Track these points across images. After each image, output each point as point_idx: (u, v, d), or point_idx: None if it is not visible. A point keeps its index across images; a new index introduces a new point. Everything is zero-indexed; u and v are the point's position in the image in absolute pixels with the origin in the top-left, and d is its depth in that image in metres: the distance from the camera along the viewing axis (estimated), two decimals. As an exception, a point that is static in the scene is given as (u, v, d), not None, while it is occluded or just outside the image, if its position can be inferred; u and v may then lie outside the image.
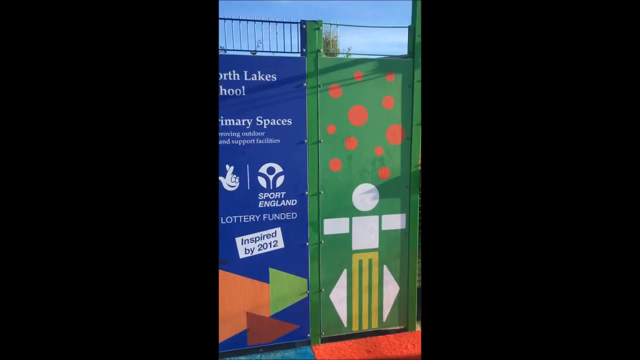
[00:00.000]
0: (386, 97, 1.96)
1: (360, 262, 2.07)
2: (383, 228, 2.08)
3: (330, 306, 2.06)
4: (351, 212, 2.02)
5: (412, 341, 2.06)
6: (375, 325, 2.13)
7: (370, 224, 2.05)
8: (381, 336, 2.10)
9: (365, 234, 2.05)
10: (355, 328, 2.11)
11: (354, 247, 2.05)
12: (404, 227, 2.10)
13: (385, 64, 1.94)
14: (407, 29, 1.97)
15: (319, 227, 1.99)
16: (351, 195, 2.01)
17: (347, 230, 2.03)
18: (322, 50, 1.85)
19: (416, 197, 2.09)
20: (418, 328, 2.19)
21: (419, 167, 2.05)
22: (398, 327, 2.17)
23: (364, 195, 2.02)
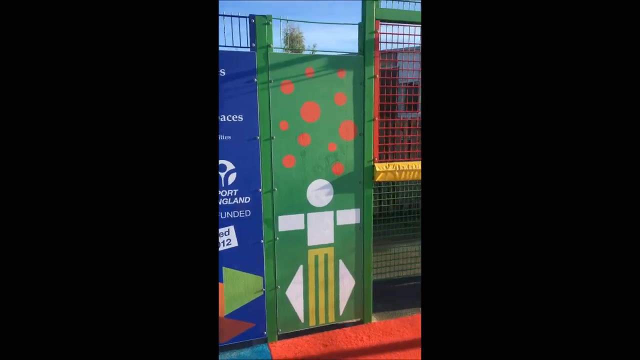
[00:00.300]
0: (338, 94, 1.98)
1: (316, 257, 2.09)
2: (338, 223, 2.10)
3: (286, 303, 2.06)
4: (306, 208, 2.02)
5: (367, 333, 2.10)
6: (332, 319, 2.16)
7: (325, 220, 2.07)
8: (338, 329, 2.14)
9: (320, 230, 2.07)
10: (312, 323, 2.12)
11: (310, 242, 2.06)
12: (358, 221, 2.14)
13: (336, 61, 1.96)
14: (361, 26, 1.99)
15: (273, 224, 1.98)
16: (305, 191, 2.01)
17: (302, 227, 2.03)
18: (272, 45, 1.83)
19: (370, 192, 2.13)
20: (374, 320, 2.24)
21: (372, 163, 2.10)
22: (354, 320, 2.21)
23: (319, 191, 2.04)
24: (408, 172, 2.14)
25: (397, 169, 2.11)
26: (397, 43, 2.09)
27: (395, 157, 2.28)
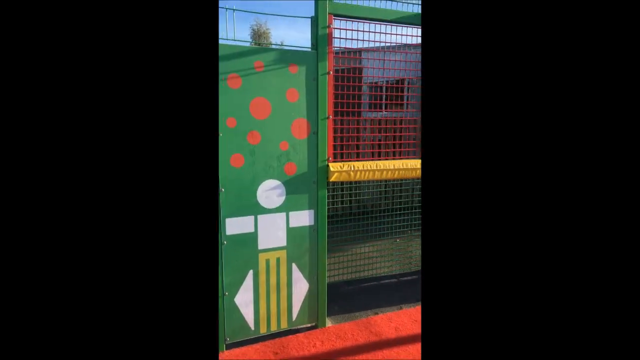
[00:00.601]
0: (290, 90, 1.89)
1: (268, 261, 1.99)
2: (291, 225, 2.01)
3: (235, 310, 1.94)
4: (256, 209, 1.92)
5: (320, 338, 2.04)
6: (284, 326, 2.07)
7: (277, 222, 1.98)
8: (291, 336, 2.05)
9: (272, 232, 1.97)
10: (263, 330, 2.03)
11: (260, 246, 1.96)
12: (312, 223, 2.06)
13: (288, 55, 1.86)
14: (314, 20, 1.91)
15: (220, 227, 1.85)
16: (255, 192, 1.91)
17: (252, 229, 1.93)
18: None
19: (324, 193, 2.06)
20: (329, 324, 2.18)
21: (326, 162, 2.03)
22: (308, 325, 2.14)
23: (270, 192, 1.94)
24: (363, 172, 2.09)
25: (352, 168, 2.06)
26: (352, 39, 2.03)
27: (354, 157, 2.22)
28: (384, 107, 2.91)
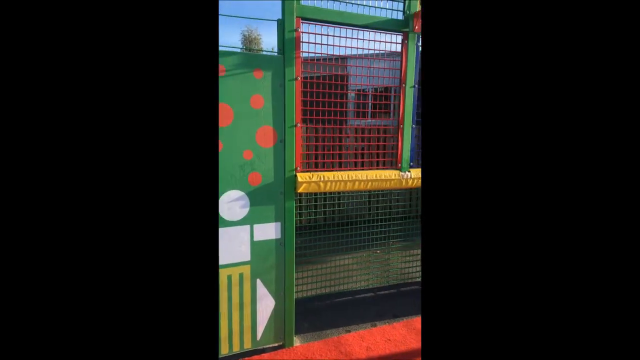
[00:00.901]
0: (254, 96, 1.79)
1: (229, 277, 1.87)
2: (255, 239, 1.90)
3: (193, 330, 1.82)
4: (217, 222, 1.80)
5: (287, 359, 1.91)
6: (248, 346, 1.95)
7: (240, 235, 1.86)
8: (255, 356, 1.93)
9: (234, 246, 1.86)
10: (224, 351, 1.90)
11: (222, 261, 1.84)
12: (278, 236, 1.95)
13: (252, 60, 1.77)
14: (280, 23, 1.82)
15: (177, 240, 1.73)
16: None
17: (212, 243, 1.81)
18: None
19: (292, 204, 1.95)
20: (297, 343, 2.06)
21: (294, 172, 1.93)
22: (274, 345, 2.02)
23: (232, 204, 1.83)
24: (334, 183, 1.99)
25: (322, 179, 1.96)
26: (322, 44, 1.94)
27: (321, 167, 2.13)
28: (354, 114, 2.84)
